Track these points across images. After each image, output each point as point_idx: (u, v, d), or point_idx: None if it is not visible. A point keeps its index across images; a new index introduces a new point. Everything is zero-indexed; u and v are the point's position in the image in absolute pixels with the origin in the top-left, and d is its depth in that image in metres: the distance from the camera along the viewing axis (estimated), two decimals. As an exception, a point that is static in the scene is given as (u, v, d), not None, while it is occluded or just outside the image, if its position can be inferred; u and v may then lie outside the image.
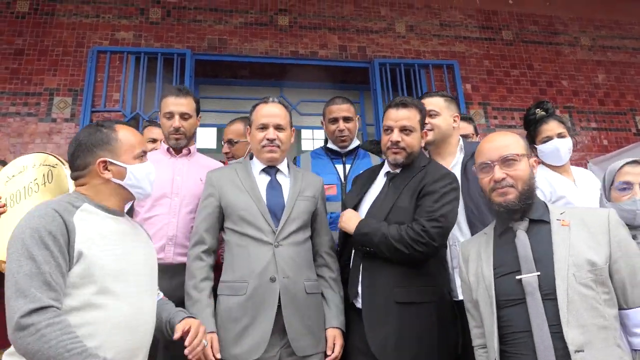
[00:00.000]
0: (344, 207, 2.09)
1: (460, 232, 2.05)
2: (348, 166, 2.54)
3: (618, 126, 4.73)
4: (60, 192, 1.85)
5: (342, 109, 2.57)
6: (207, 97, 4.65)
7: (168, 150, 2.28)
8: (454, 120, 2.24)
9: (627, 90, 4.88)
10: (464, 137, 2.53)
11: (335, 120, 2.56)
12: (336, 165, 2.54)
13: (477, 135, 2.90)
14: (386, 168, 2.07)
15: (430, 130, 2.15)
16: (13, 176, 1.97)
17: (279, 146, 1.97)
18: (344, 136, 2.54)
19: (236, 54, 4.29)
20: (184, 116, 2.22)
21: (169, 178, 2.18)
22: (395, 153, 1.95)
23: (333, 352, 1.85)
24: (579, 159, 4.47)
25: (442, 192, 1.83)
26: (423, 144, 2.05)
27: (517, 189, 1.51)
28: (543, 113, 2.39)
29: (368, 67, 4.49)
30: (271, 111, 2.00)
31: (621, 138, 4.67)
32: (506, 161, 1.54)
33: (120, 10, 4.24)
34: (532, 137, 2.39)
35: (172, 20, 4.30)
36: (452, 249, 2.05)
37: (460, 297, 1.86)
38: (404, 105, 1.96)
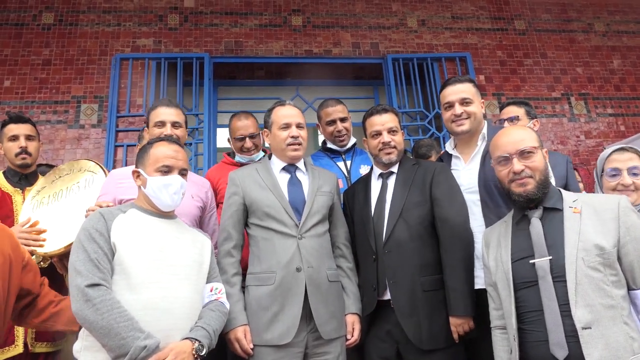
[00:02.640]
0: (351, 209, 2.24)
1: (475, 223, 2.09)
2: (349, 162, 2.73)
3: (635, 111, 4.71)
4: (96, 197, 2.01)
5: (337, 110, 2.75)
6: (225, 98, 4.79)
7: None
8: (482, 107, 2.24)
9: (643, 75, 4.85)
10: (510, 120, 2.64)
11: (332, 122, 2.73)
12: (337, 163, 2.71)
13: (531, 119, 2.72)
14: (377, 171, 2.21)
15: (467, 118, 2.15)
16: (60, 177, 2.15)
17: (301, 143, 2.10)
18: (343, 135, 2.71)
19: (252, 56, 4.41)
20: (175, 125, 2.21)
21: None
22: (389, 153, 2.13)
23: (353, 335, 2.00)
24: (596, 146, 4.48)
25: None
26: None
27: (535, 179, 1.62)
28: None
29: (381, 63, 4.57)
30: (291, 112, 2.14)
31: (638, 123, 4.65)
32: (523, 154, 1.64)
33: (140, 18, 4.40)
34: None
35: (189, 25, 4.44)
36: None
37: (477, 286, 1.96)
38: (385, 110, 2.18)
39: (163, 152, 1.75)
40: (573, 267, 1.45)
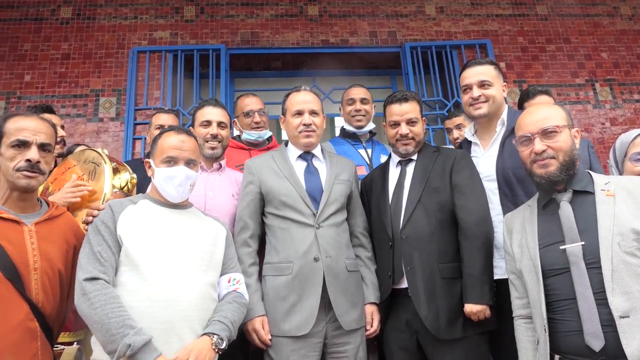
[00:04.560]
0: (368, 197, 2.21)
1: (494, 212, 2.03)
2: (369, 150, 2.69)
3: (663, 97, 4.56)
4: (99, 189, 2.03)
5: (360, 91, 2.77)
6: (242, 89, 4.77)
7: (200, 165, 2.26)
8: (503, 90, 2.18)
9: (672, 59, 4.68)
10: None
11: (352, 101, 2.74)
12: (359, 150, 2.68)
13: None
14: (396, 159, 2.16)
15: (485, 102, 2.11)
16: (69, 168, 2.16)
17: (314, 130, 2.06)
18: (360, 116, 2.70)
19: (269, 47, 4.39)
20: (221, 124, 2.24)
21: (202, 194, 2.14)
22: (406, 144, 2.09)
23: (372, 326, 1.97)
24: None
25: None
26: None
27: (558, 160, 1.54)
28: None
29: (399, 52, 4.49)
30: (305, 98, 2.10)
31: (667, 109, 4.50)
32: (546, 133, 1.56)
33: (157, 10, 4.41)
34: None
35: (205, 17, 4.43)
36: None
37: (497, 277, 1.91)
38: (406, 99, 2.10)
39: (168, 142, 1.73)
40: (609, 253, 1.38)
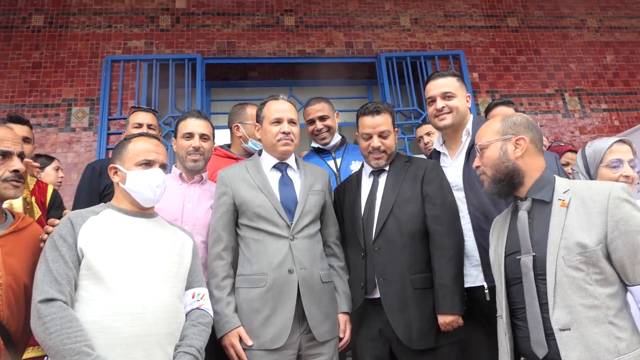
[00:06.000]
0: (341, 207, 2.22)
1: (463, 221, 2.03)
2: (339, 160, 2.67)
3: (629, 106, 4.72)
4: None
5: (315, 109, 2.69)
6: (218, 99, 4.76)
7: (180, 175, 2.22)
8: (467, 101, 2.20)
9: (636, 70, 4.86)
10: None
11: (312, 122, 2.69)
12: (327, 162, 2.66)
13: None
14: (368, 169, 2.18)
15: (449, 113, 2.13)
16: None
17: (292, 140, 2.06)
18: (323, 134, 2.67)
19: (245, 56, 4.39)
20: (203, 137, 2.21)
21: (179, 205, 2.11)
22: (378, 158, 2.10)
23: (345, 336, 1.97)
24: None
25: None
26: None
27: (487, 175, 1.59)
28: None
29: (375, 62, 4.55)
30: (284, 107, 2.09)
31: (632, 118, 4.65)
32: (479, 150, 1.62)
33: (132, 19, 4.37)
34: None
35: (181, 26, 4.41)
36: None
37: (467, 285, 1.94)
38: (378, 111, 2.10)
39: (143, 146, 1.70)
40: (553, 267, 1.39)
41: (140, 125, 2.59)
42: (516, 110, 2.74)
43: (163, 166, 1.73)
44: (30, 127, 2.55)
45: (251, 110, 2.66)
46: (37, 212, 2.28)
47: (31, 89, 4.03)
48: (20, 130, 2.42)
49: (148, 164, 1.68)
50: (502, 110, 2.71)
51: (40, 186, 2.44)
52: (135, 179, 1.65)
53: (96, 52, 4.22)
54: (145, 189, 1.65)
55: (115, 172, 1.70)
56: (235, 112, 2.72)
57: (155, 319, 1.50)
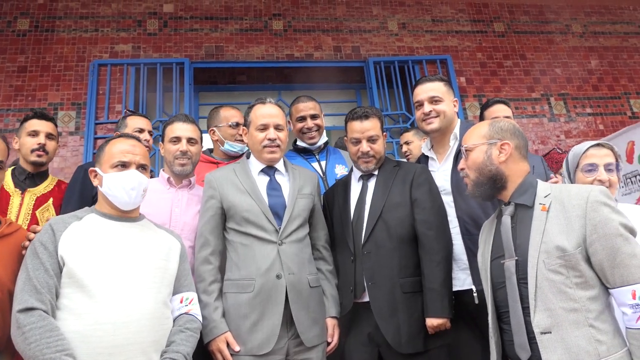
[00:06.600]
0: (330, 211, 2.22)
1: (450, 225, 2.04)
2: (323, 162, 2.63)
3: (613, 110, 4.79)
4: None
5: (308, 106, 2.64)
6: (206, 104, 4.74)
7: (168, 180, 2.18)
8: (454, 105, 2.22)
9: (620, 75, 4.94)
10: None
11: (302, 119, 2.63)
12: (312, 164, 2.61)
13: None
14: (357, 174, 2.19)
15: (436, 117, 2.15)
16: None
17: (279, 146, 2.04)
18: (312, 132, 2.61)
19: (233, 60, 4.39)
20: (191, 141, 2.19)
21: (167, 210, 2.09)
22: (367, 162, 2.10)
23: (333, 340, 1.97)
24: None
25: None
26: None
27: (470, 178, 1.61)
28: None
29: (363, 66, 4.57)
30: (270, 111, 2.06)
31: (617, 122, 4.72)
32: (464, 152, 1.64)
33: (119, 23, 4.34)
34: None
35: (169, 30, 4.40)
36: None
37: (455, 288, 1.96)
38: (366, 116, 2.10)
39: (118, 147, 1.66)
40: (534, 271, 1.41)
41: (142, 130, 2.56)
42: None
43: (142, 167, 1.68)
44: (55, 124, 2.50)
45: (225, 112, 2.64)
46: (53, 215, 2.27)
47: (16, 93, 3.98)
48: (45, 126, 2.40)
49: (123, 165, 1.64)
50: (499, 108, 2.72)
51: (61, 187, 2.43)
52: (110, 182, 1.62)
53: (83, 56, 4.18)
54: (119, 192, 1.61)
55: (95, 176, 1.67)
56: (211, 116, 2.69)
57: (139, 327, 1.46)
